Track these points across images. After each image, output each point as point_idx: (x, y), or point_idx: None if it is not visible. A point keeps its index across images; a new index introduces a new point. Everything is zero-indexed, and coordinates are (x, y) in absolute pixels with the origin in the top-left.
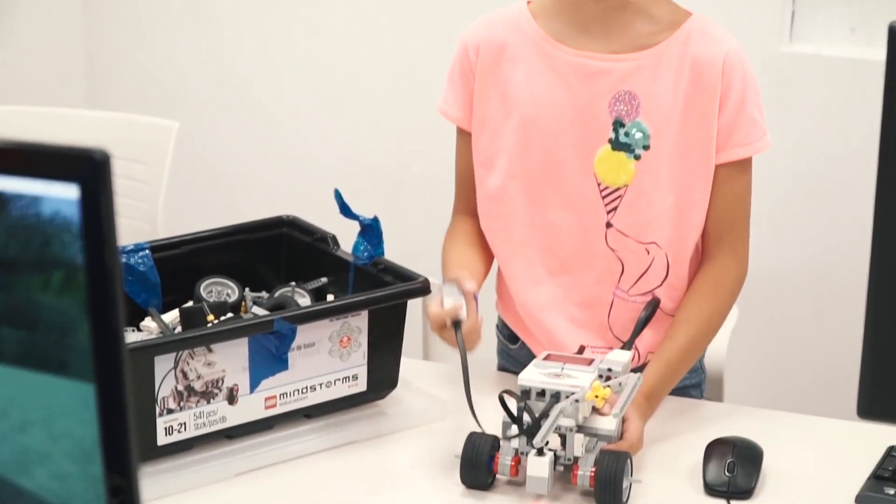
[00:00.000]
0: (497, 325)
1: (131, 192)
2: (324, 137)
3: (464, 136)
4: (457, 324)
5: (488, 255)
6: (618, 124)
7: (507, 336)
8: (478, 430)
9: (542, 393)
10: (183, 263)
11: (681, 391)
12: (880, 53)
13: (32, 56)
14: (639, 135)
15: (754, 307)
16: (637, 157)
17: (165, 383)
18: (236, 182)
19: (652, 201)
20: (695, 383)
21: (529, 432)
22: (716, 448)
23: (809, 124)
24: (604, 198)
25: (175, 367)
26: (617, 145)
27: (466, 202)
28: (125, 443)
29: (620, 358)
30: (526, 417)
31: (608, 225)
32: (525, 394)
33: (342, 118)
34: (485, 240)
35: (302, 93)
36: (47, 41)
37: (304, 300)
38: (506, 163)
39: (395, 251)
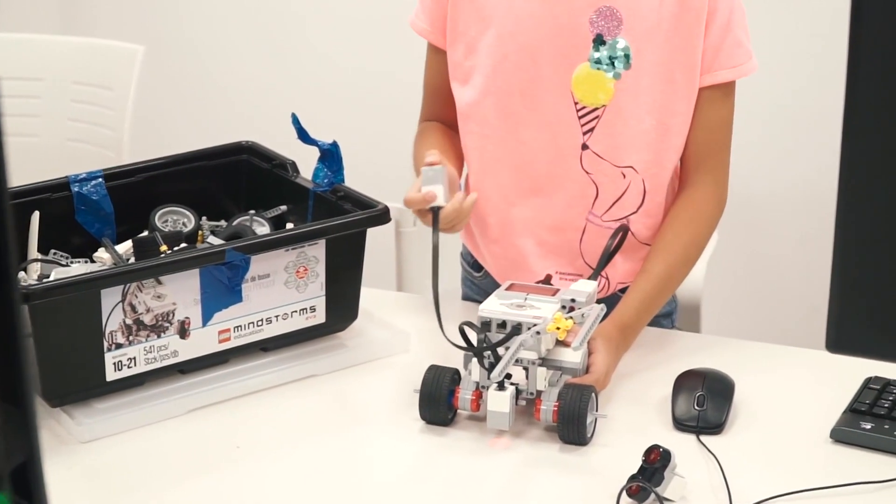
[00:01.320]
0: (461, 253)
1: (97, 118)
2: (290, 56)
3: (435, 52)
4: (435, 210)
5: (458, 161)
6: (598, 41)
7: (471, 264)
8: (440, 364)
9: (503, 324)
10: (139, 192)
11: (651, 321)
12: None
13: None
14: (620, 53)
15: (734, 234)
16: (617, 77)
17: (113, 317)
18: (202, 106)
19: (630, 123)
20: (665, 312)
21: (489, 365)
22: (685, 381)
23: (798, 45)
24: (580, 118)
25: (123, 301)
26: (596, 63)
27: (434, 114)
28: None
29: (585, 288)
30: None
31: (584, 147)
32: (485, 325)
33: (307, 40)
34: (454, 144)
35: (270, 14)
36: None
37: (263, 229)
38: (480, 79)
39: (355, 179)
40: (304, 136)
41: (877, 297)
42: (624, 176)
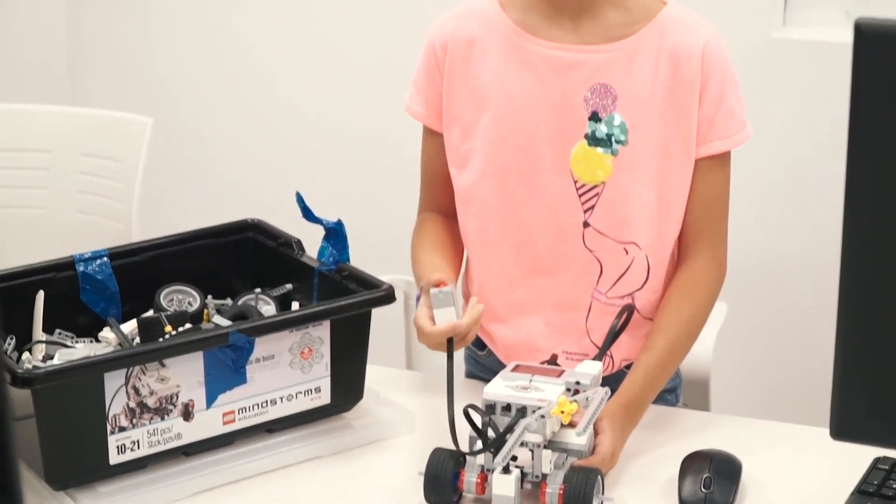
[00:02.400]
0: None
1: (105, 190)
2: (296, 138)
3: (431, 135)
4: (449, 342)
5: (458, 256)
6: (594, 118)
7: (475, 343)
8: (446, 446)
9: (507, 407)
10: (144, 270)
11: (656, 397)
12: None
13: (15, 52)
14: (616, 129)
15: (743, 306)
16: (614, 153)
17: (116, 400)
18: (209, 181)
19: (630, 199)
20: (670, 388)
21: (495, 448)
22: (692, 462)
23: (801, 113)
24: (580, 196)
25: (126, 384)
26: (593, 140)
27: (433, 200)
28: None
29: (590, 370)
30: (491, 433)
31: (585, 224)
32: (490, 408)
33: (315, 118)
34: (453, 239)
35: (276, 93)
36: (31, 38)
37: (269, 308)
38: (479, 162)
39: (363, 251)
40: (308, 214)
41: (880, 385)
42: (626, 252)
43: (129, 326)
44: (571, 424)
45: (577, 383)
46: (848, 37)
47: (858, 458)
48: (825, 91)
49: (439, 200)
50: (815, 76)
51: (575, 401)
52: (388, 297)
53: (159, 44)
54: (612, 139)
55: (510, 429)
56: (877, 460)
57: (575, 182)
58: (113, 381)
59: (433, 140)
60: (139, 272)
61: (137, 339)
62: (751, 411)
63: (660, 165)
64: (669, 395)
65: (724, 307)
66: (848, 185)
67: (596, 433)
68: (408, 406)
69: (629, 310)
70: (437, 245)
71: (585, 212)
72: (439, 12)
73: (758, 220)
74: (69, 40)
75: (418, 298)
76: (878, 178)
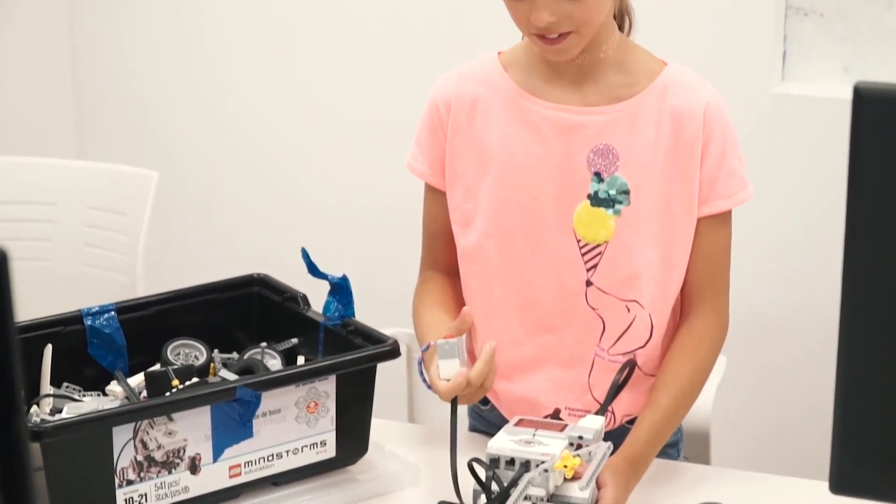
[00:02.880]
0: None
1: (111, 243)
2: (301, 192)
3: (433, 193)
4: (453, 401)
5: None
6: (597, 179)
7: None
8: (449, 500)
9: (511, 461)
10: (151, 324)
11: (658, 452)
12: None
13: (22, 106)
14: (618, 190)
15: (742, 360)
16: (617, 213)
17: (124, 454)
18: (214, 234)
19: (633, 258)
20: (672, 442)
21: (499, 502)
22: None
23: (802, 167)
24: (583, 255)
25: (134, 437)
26: (596, 201)
27: (435, 259)
28: None
29: (592, 424)
30: (495, 486)
31: (588, 283)
32: (494, 462)
33: (319, 174)
34: (456, 298)
35: (282, 150)
36: (36, 89)
37: (275, 362)
38: (482, 221)
39: (367, 305)
40: (313, 270)
41: (880, 440)
42: (629, 310)
43: (136, 380)
44: (574, 478)
45: (580, 438)
46: (847, 92)
47: None
48: (824, 146)
49: (441, 259)
50: (814, 131)
51: (578, 455)
52: (393, 351)
53: (165, 98)
54: (615, 199)
55: (514, 483)
56: None
57: (578, 241)
58: (121, 435)
59: (436, 198)
60: (146, 326)
61: (144, 393)
62: (751, 464)
63: (662, 225)
64: (671, 449)
65: (724, 360)
66: (847, 247)
67: (599, 487)
68: (412, 459)
69: (631, 365)
70: (440, 303)
71: (588, 270)
72: (442, 71)
73: (757, 273)
74: (75, 94)
75: (420, 362)
76: (877, 241)
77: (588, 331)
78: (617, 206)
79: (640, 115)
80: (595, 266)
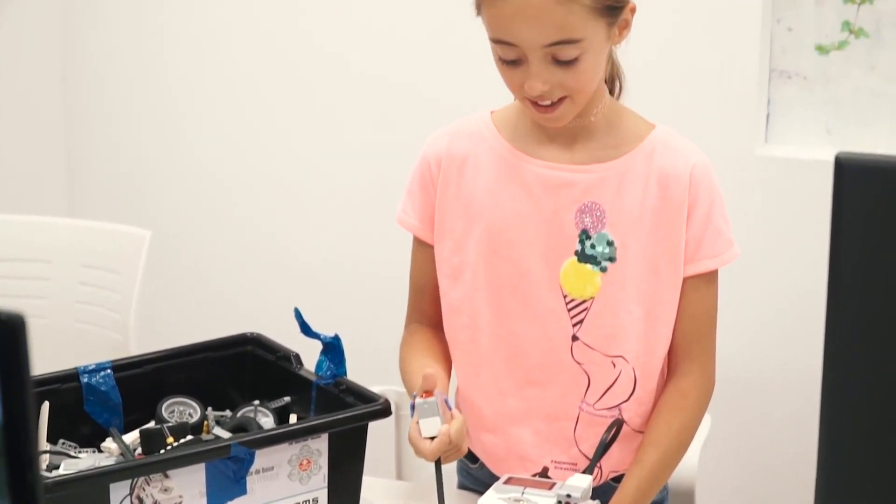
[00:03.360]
0: None
1: (104, 301)
2: (292, 251)
3: (422, 247)
4: (437, 462)
5: (448, 364)
6: (584, 236)
7: (467, 455)
8: None
9: None
10: (146, 382)
11: None
12: None
13: (14, 164)
14: (605, 247)
15: (727, 417)
16: (603, 270)
17: None
18: (205, 293)
19: (618, 314)
20: (658, 500)
21: None
22: None
23: (786, 228)
24: (570, 310)
25: (131, 494)
26: (583, 257)
27: (421, 312)
28: None
29: (580, 483)
30: None
31: (574, 338)
32: None
33: (309, 234)
34: (443, 349)
35: (273, 211)
36: (28, 147)
37: (268, 420)
38: (470, 275)
39: (359, 361)
40: (306, 329)
41: (866, 481)
42: (614, 365)
43: (131, 437)
44: None
45: (568, 496)
46: (829, 154)
47: None
48: (808, 207)
49: (427, 312)
50: (797, 192)
51: None
52: (384, 410)
53: (156, 157)
54: (601, 256)
55: None
56: None
57: (564, 296)
58: (118, 492)
59: (424, 252)
60: (141, 384)
61: (139, 450)
62: None
63: (648, 282)
64: None
65: (709, 419)
66: (829, 312)
67: None
68: None
69: (618, 424)
70: (427, 351)
71: (574, 325)
72: (428, 131)
73: (742, 333)
74: (66, 151)
75: (413, 407)
76: (859, 307)
77: (573, 385)
78: (603, 263)
79: (627, 174)
80: (581, 321)
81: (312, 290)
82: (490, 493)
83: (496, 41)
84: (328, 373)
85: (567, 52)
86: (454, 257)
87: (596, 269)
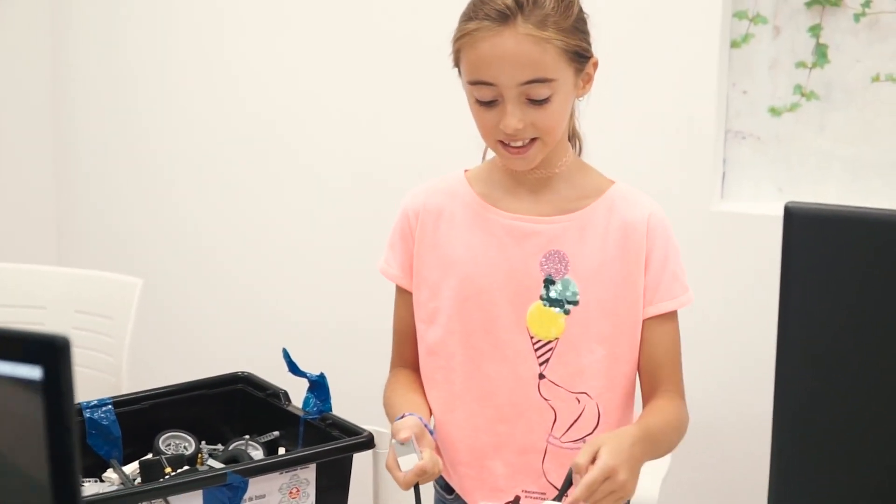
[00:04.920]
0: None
1: (97, 345)
2: (278, 295)
3: (403, 295)
4: (416, 490)
5: (427, 401)
6: (548, 282)
7: (443, 486)
8: None
9: None
10: (143, 417)
11: None
12: None
13: (4, 214)
14: (568, 292)
15: (685, 455)
16: (567, 312)
17: None
18: (195, 336)
19: (581, 353)
20: None
21: None
22: None
23: (739, 279)
24: (536, 350)
25: None
26: (548, 301)
27: (403, 357)
28: None
29: None
30: None
31: (541, 376)
32: None
33: (293, 279)
34: (423, 388)
35: (255, 257)
36: (20, 201)
37: (258, 453)
38: (445, 319)
39: (344, 398)
40: (294, 368)
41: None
42: (579, 401)
43: (131, 468)
44: None
45: None
46: (780, 210)
47: None
48: (760, 260)
49: (409, 356)
50: (751, 246)
51: None
52: (368, 443)
53: (143, 208)
54: (565, 300)
55: None
56: None
57: (531, 337)
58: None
59: (405, 300)
60: (138, 419)
61: (139, 479)
62: None
63: (609, 324)
64: None
65: (669, 457)
66: (778, 355)
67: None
68: None
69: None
70: (411, 387)
71: (541, 364)
72: (410, 185)
73: (697, 376)
74: (57, 205)
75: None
76: (806, 346)
77: (541, 420)
78: (567, 307)
79: (589, 225)
80: (547, 360)
81: (297, 334)
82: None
83: (474, 83)
84: (315, 408)
85: (540, 91)
86: (430, 303)
87: (560, 311)
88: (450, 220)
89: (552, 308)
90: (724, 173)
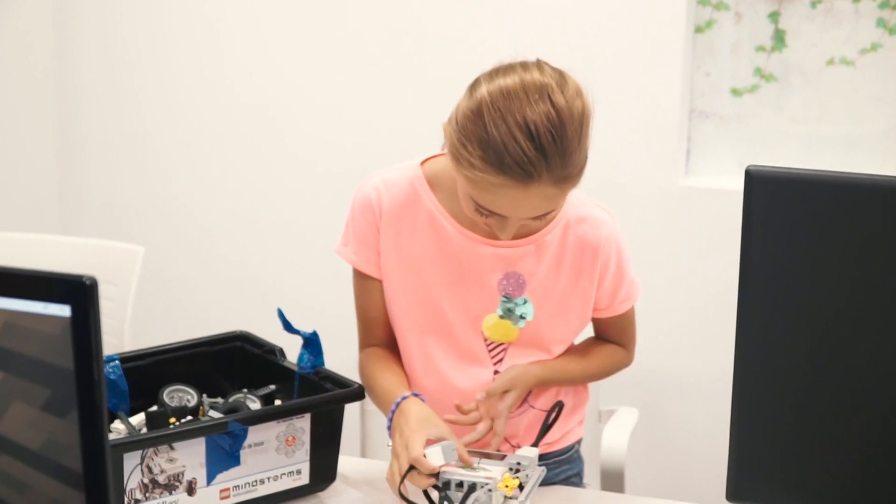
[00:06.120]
0: None
1: (102, 309)
2: (270, 261)
3: (367, 281)
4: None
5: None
6: (506, 299)
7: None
8: None
9: (460, 484)
10: (148, 372)
11: (564, 481)
12: None
13: (8, 185)
14: (524, 308)
15: (651, 410)
16: (521, 325)
17: (133, 477)
18: (193, 300)
19: (532, 355)
20: (575, 473)
21: None
22: None
23: (702, 249)
24: (490, 351)
25: (141, 463)
26: (505, 314)
27: (375, 338)
28: None
29: (528, 454)
30: None
31: (495, 373)
32: (446, 485)
33: (286, 247)
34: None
35: (248, 225)
36: (22, 172)
37: (255, 405)
38: (402, 322)
39: (335, 354)
40: (288, 327)
41: (773, 453)
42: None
43: (137, 419)
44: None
45: (518, 464)
46: (741, 184)
47: None
48: (722, 231)
49: (381, 337)
50: (713, 218)
51: (517, 477)
52: (359, 393)
53: (142, 177)
54: (521, 316)
55: (464, 501)
56: None
57: (485, 340)
58: (130, 461)
59: (371, 286)
60: (144, 374)
61: (145, 430)
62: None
63: (560, 329)
64: (575, 478)
65: (636, 411)
66: (739, 312)
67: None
68: (371, 487)
69: (559, 406)
70: (390, 369)
71: (495, 364)
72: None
73: (664, 341)
74: (59, 172)
75: (389, 426)
76: (765, 305)
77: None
78: (522, 321)
79: (546, 249)
80: (500, 360)
81: (291, 297)
82: (437, 448)
83: (480, 208)
84: (308, 363)
85: (549, 215)
86: (391, 304)
87: (515, 323)
88: (412, 227)
89: (508, 321)
90: (688, 150)
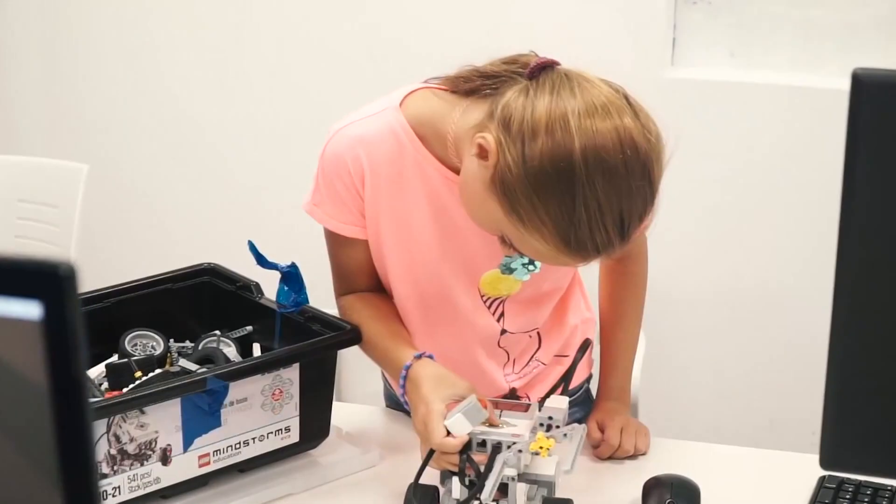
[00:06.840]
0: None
1: (43, 234)
2: (244, 181)
3: (348, 239)
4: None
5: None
6: (507, 259)
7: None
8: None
9: (482, 443)
10: (106, 316)
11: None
12: (760, 76)
13: None
14: (529, 264)
15: (663, 332)
16: (526, 277)
17: (98, 448)
18: (151, 225)
19: (537, 306)
20: (585, 414)
21: (473, 485)
22: (653, 489)
23: (694, 148)
24: (489, 307)
25: (108, 432)
26: (507, 270)
27: (355, 285)
28: None
29: (559, 405)
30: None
31: (503, 332)
32: (467, 446)
33: (258, 156)
34: (391, 307)
35: (218, 135)
36: None
37: (231, 350)
38: (398, 286)
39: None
40: (262, 260)
41: (869, 420)
42: (530, 337)
43: (96, 371)
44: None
45: (550, 419)
46: (732, 75)
47: (807, 477)
48: (713, 126)
49: (365, 285)
50: (703, 112)
51: (552, 436)
52: (354, 338)
53: (91, 87)
54: (527, 267)
55: (490, 467)
56: (822, 479)
57: (482, 296)
58: (95, 431)
59: (349, 241)
60: (100, 318)
61: (105, 384)
62: (673, 433)
63: (565, 276)
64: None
65: (644, 338)
66: (841, 228)
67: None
68: (368, 439)
69: (586, 344)
70: (384, 317)
71: (498, 320)
72: None
73: (672, 257)
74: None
75: (403, 384)
76: (873, 222)
77: (497, 366)
78: (525, 277)
79: None
80: (503, 314)
81: (263, 222)
82: (458, 416)
83: (513, 247)
84: (291, 301)
85: None
86: (381, 269)
87: (520, 276)
88: (399, 184)
89: (511, 275)
90: (674, 38)
